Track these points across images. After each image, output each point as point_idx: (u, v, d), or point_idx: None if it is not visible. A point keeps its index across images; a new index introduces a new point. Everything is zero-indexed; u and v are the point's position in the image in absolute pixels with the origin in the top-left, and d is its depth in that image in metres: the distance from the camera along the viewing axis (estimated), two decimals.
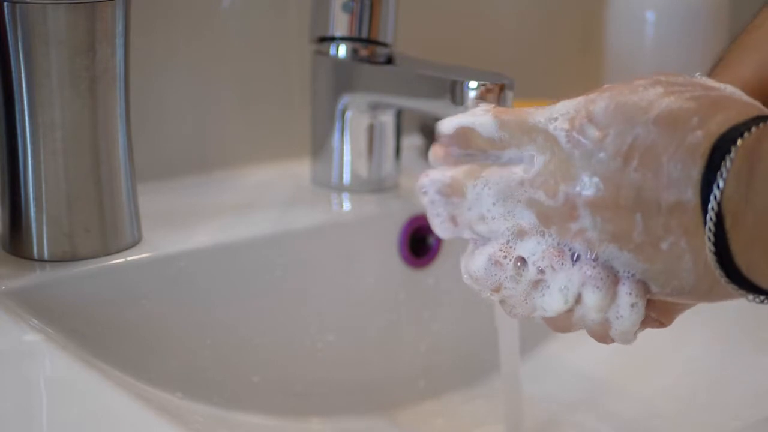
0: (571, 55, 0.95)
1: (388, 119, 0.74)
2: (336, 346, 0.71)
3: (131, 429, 0.48)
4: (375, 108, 0.73)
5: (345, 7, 0.71)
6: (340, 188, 0.74)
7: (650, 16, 0.88)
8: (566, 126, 0.44)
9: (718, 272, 0.41)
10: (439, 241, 0.74)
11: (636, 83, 0.44)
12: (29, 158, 0.60)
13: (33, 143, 0.60)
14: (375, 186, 0.74)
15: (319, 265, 0.70)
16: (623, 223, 0.43)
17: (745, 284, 0.41)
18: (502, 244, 0.47)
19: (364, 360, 0.72)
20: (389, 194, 0.75)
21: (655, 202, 0.42)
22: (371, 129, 0.74)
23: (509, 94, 0.66)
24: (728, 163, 0.39)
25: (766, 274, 0.40)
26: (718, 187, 0.40)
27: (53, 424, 0.49)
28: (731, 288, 0.41)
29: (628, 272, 0.44)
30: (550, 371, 0.75)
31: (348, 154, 0.74)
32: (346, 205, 0.74)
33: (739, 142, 0.40)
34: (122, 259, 0.63)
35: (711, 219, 0.40)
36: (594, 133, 0.43)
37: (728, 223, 0.40)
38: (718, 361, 0.72)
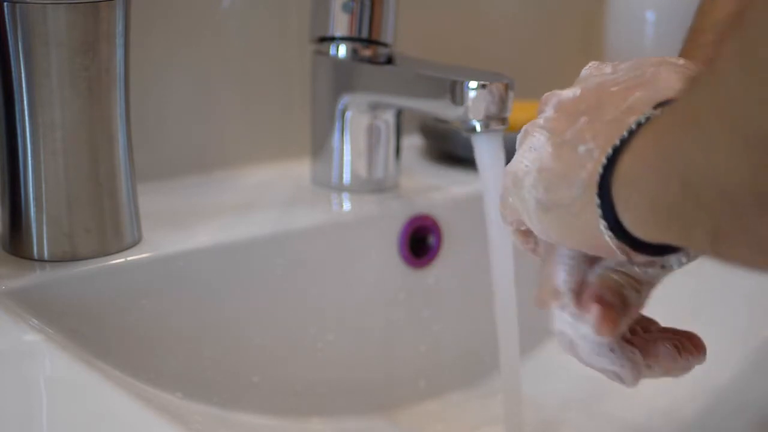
0: (571, 55, 0.95)
1: (388, 119, 0.74)
2: (336, 346, 0.71)
3: (131, 429, 0.48)
4: (375, 108, 0.73)
5: (345, 7, 0.71)
6: (340, 188, 0.74)
7: (650, 16, 0.88)
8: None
9: (596, 179, 0.43)
10: (439, 241, 0.74)
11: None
12: (29, 158, 0.60)
13: (33, 143, 0.60)
14: (375, 186, 0.74)
15: (319, 265, 0.70)
16: (566, 122, 0.47)
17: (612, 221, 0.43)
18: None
19: (364, 360, 0.72)
20: (389, 194, 0.75)
21: (600, 113, 0.46)
22: (371, 129, 0.74)
23: (509, 94, 0.66)
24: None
25: (633, 220, 0.42)
26: (638, 123, 0.43)
27: (53, 424, 0.49)
28: (595, 209, 0.43)
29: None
30: (550, 371, 0.75)
31: (348, 154, 0.74)
32: (346, 205, 0.74)
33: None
34: (122, 259, 0.63)
35: (621, 139, 0.43)
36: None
37: (626, 157, 0.42)
38: (718, 360, 0.72)
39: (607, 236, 0.43)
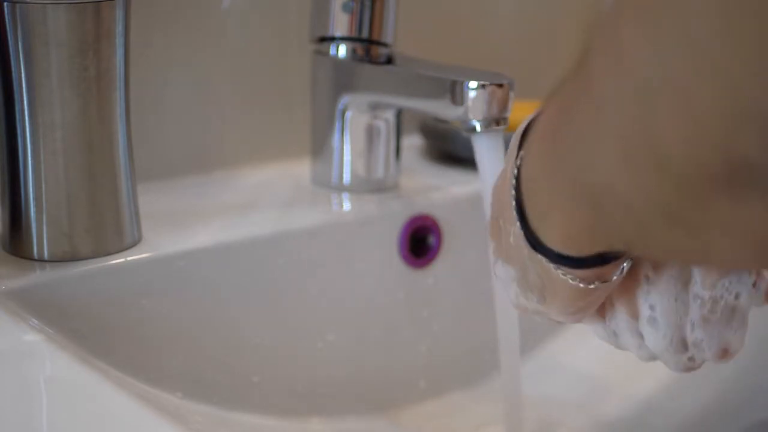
0: (571, 55, 0.95)
1: (388, 119, 0.74)
2: (336, 346, 0.71)
3: (131, 429, 0.48)
4: (375, 108, 0.73)
5: (345, 7, 0.71)
6: (340, 188, 0.74)
7: None
8: None
9: (523, 234, 0.44)
10: (439, 241, 0.74)
11: None
12: (29, 158, 0.60)
13: (33, 143, 0.60)
14: (375, 186, 0.74)
15: (319, 265, 0.70)
16: (496, 233, 0.47)
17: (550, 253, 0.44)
18: None
19: (364, 360, 0.72)
20: (389, 194, 0.75)
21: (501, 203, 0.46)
22: (371, 129, 0.74)
23: (509, 94, 0.66)
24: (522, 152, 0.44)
25: (551, 236, 0.43)
26: (517, 170, 0.44)
27: (53, 424, 0.49)
28: (537, 255, 0.44)
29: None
30: (550, 371, 0.75)
31: (348, 154, 0.74)
32: (346, 205, 0.74)
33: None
34: (122, 259, 0.63)
35: (513, 194, 0.44)
36: None
37: (525, 197, 0.43)
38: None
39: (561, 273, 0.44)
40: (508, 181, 0.45)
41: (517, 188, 0.44)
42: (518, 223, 0.44)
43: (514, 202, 0.44)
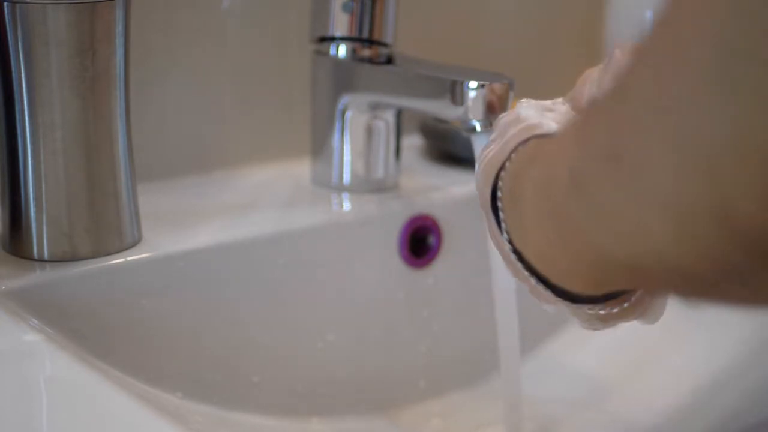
0: (571, 55, 0.95)
1: (388, 119, 0.74)
2: (336, 346, 0.71)
3: (131, 429, 0.48)
4: (375, 108, 0.73)
5: (345, 7, 0.71)
6: (340, 188, 0.74)
7: (650, 15, 0.88)
8: None
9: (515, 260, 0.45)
10: (439, 241, 0.74)
11: None
12: (29, 158, 0.60)
13: (33, 143, 0.60)
14: (375, 186, 0.74)
15: (319, 265, 0.70)
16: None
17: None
18: None
19: (364, 360, 0.72)
20: (389, 194, 0.75)
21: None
22: (371, 129, 0.74)
23: (509, 94, 0.66)
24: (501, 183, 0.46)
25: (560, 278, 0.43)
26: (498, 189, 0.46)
27: (53, 424, 0.49)
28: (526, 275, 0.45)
29: None
30: (550, 371, 0.75)
31: (348, 154, 0.74)
32: (346, 205, 0.74)
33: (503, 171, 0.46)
34: (122, 259, 0.63)
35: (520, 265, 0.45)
36: None
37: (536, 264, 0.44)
38: (718, 361, 0.72)
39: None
40: (504, 252, 0.46)
41: (521, 258, 0.45)
42: (533, 280, 0.45)
43: (525, 272, 0.45)
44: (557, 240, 0.40)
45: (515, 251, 0.45)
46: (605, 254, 0.36)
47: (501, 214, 0.45)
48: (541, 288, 0.45)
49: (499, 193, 0.46)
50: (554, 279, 0.43)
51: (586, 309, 0.45)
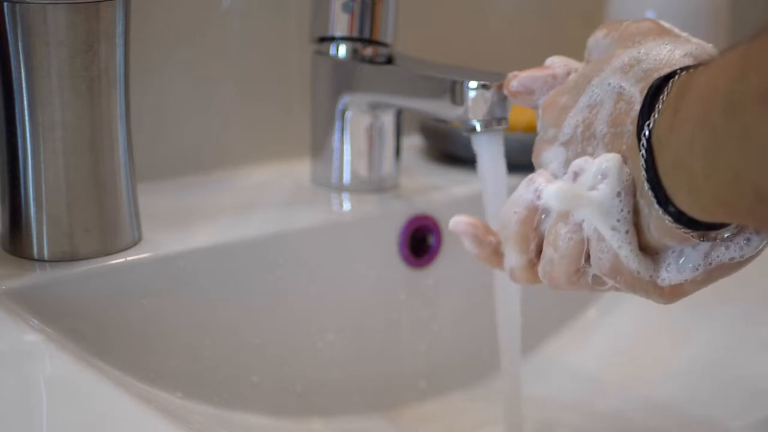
0: (571, 56, 0.95)
1: (388, 119, 0.74)
2: (336, 346, 0.71)
3: (131, 429, 0.48)
4: (375, 108, 0.73)
5: (345, 7, 0.71)
6: (340, 188, 0.74)
7: (650, 15, 0.88)
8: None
9: (648, 190, 0.45)
10: (439, 241, 0.74)
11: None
12: (29, 158, 0.60)
13: (33, 143, 0.60)
14: (375, 186, 0.74)
15: (319, 265, 0.70)
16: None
17: (671, 210, 0.45)
18: None
19: (363, 360, 0.72)
20: (389, 194, 0.75)
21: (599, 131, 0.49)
22: (371, 129, 0.74)
23: None
24: (663, 98, 0.45)
25: (684, 198, 0.44)
26: (653, 118, 0.45)
27: (53, 424, 0.49)
28: (659, 210, 0.45)
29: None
30: (550, 371, 0.75)
31: (348, 154, 0.74)
32: (346, 205, 0.74)
33: (672, 80, 0.45)
34: (122, 259, 0.63)
35: (643, 145, 0.44)
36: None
37: (656, 149, 0.44)
38: (717, 360, 0.72)
39: (667, 221, 0.45)
40: (624, 118, 0.46)
41: (648, 148, 0.44)
42: (644, 172, 0.45)
43: (642, 158, 0.45)
44: (701, 153, 0.40)
45: (649, 149, 0.44)
46: (747, 180, 0.38)
47: (658, 105, 0.45)
48: (649, 194, 0.45)
49: (667, 86, 0.45)
50: (677, 190, 0.43)
51: (685, 232, 0.45)
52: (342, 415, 0.70)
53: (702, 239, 0.46)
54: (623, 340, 0.76)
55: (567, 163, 0.50)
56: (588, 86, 0.50)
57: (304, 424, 0.69)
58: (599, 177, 0.47)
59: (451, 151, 0.81)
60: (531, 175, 0.51)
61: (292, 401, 0.69)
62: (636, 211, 0.47)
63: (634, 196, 0.47)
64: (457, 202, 0.75)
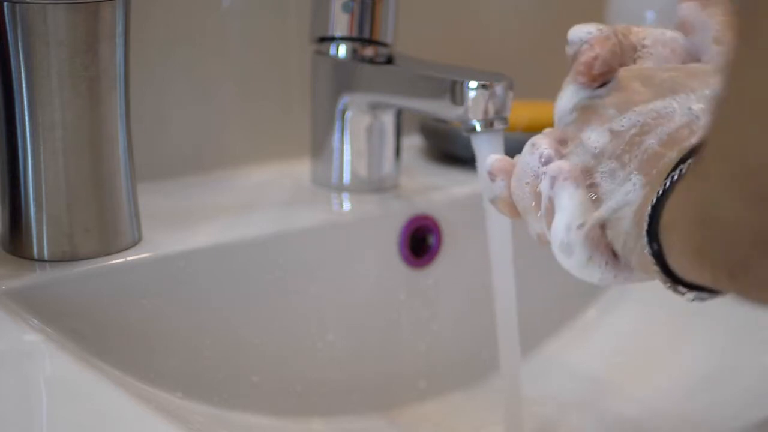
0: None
1: (388, 119, 0.74)
2: (336, 346, 0.71)
3: (131, 429, 0.48)
4: (375, 108, 0.73)
5: (345, 7, 0.71)
6: (340, 188, 0.74)
7: (650, 15, 0.88)
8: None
9: (645, 223, 0.43)
10: (439, 241, 0.74)
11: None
12: (29, 158, 0.60)
13: (33, 143, 0.60)
14: (375, 186, 0.74)
15: (319, 265, 0.70)
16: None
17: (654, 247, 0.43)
18: None
19: (364, 360, 0.72)
20: (389, 194, 0.75)
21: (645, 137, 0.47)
22: (371, 129, 0.74)
23: (509, 94, 0.66)
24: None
25: (678, 260, 0.42)
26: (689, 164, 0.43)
27: (53, 424, 0.49)
28: (644, 247, 0.44)
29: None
30: (550, 371, 0.75)
31: (348, 154, 0.74)
32: (346, 205, 0.74)
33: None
34: (122, 259, 0.63)
35: (665, 184, 0.43)
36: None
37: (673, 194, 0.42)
38: (718, 361, 0.72)
39: (657, 275, 0.44)
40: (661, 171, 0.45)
41: (657, 205, 0.43)
42: (650, 206, 0.43)
43: (650, 208, 0.43)
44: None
45: (655, 207, 0.43)
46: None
47: (678, 171, 0.43)
48: (649, 260, 0.44)
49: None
50: (687, 254, 0.41)
51: (685, 292, 0.44)
52: (342, 415, 0.70)
53: (667, 285, 0.45)
54: (623, 340, 0.76)
55: (601, 155, 0.48)
56: (671, 96, 0.48)
57: (304, 424, 0.69)
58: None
59: (451, 151, 0.81)
60: (533, 139, 0.50)
61: (292, 401, 0.69)
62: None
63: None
64: (457, 202, 0.75)
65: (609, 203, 0.47)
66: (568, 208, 0.47)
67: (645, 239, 0.43)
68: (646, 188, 0.45)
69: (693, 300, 0.45)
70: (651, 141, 0.47)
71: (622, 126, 0.48)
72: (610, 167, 0.47)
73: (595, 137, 0.48)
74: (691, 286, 0.44)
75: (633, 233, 0.45)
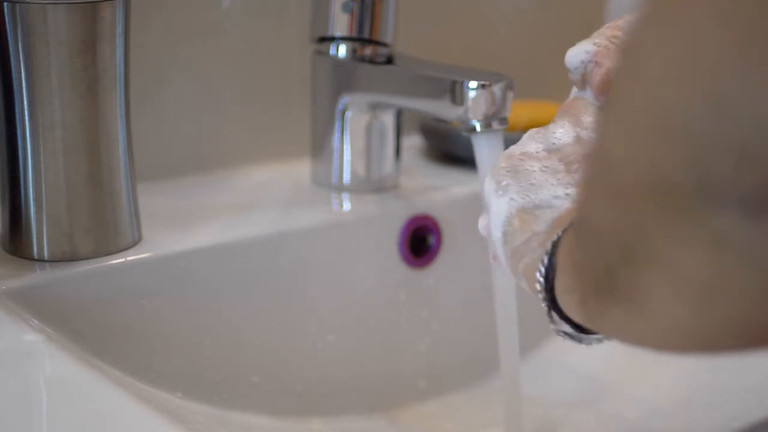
0: None
1: (388, 119, 0.74)
2: (336, 346, 0.71)
3: (131, 429, 0.48)
4: (375, 108, 0.73)
5: (345, 7, 0.71)
6: (340, 188, 0.74)
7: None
8: None
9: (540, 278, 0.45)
10: (439, 241, 0.74)
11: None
12: (29, 158, 0.60)
13: (33, 143, 0.60)
14: (375, 186, 0.74)
15: (319, 265, 0.70)
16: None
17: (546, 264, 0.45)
18: None
19: (364, 360, 0.72)
20: (389, 194, 0.75)
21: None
22: (371, 129, 0.74)
23: (509, 94, 0.66)
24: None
25: (568, 304, 0.44)
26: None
27: (53, 424, 0.49)
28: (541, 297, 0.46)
29: None
30: (550, 371, 0.75)
31: (348, 154, 0.74)
32: (346, 205, 0.74)
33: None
34: (122, 259, 0.63)
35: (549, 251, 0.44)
36: None
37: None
38: (718, 361, 0.72)
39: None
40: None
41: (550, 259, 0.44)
42: (542, 280, 0.45)
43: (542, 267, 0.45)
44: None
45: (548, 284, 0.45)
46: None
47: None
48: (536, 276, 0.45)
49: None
50: (567, 271, 0.43)
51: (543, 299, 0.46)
52: (342, 415, 0.71)
53: (549, 310, 0.47)
54: None
55: (557, 151, 0.49)
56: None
57: (304, 424, 0.69)
58: None
59: (451, 151, 0.81)
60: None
61: (292, 401, 0.69)
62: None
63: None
64: (457, 202, 0.75)
65: (532, 197, 0.47)
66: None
67: (545, 257, 0.44)
68: (573, 206, 0.46)
69: (565, 337, 0.48)
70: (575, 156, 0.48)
71: (589, 137, 0.49)
72: (555, 167, 0.48)
73: (560, 133, 0.49)
74: (568, 321, 0.46)
75: (536, 241, 0.46)
